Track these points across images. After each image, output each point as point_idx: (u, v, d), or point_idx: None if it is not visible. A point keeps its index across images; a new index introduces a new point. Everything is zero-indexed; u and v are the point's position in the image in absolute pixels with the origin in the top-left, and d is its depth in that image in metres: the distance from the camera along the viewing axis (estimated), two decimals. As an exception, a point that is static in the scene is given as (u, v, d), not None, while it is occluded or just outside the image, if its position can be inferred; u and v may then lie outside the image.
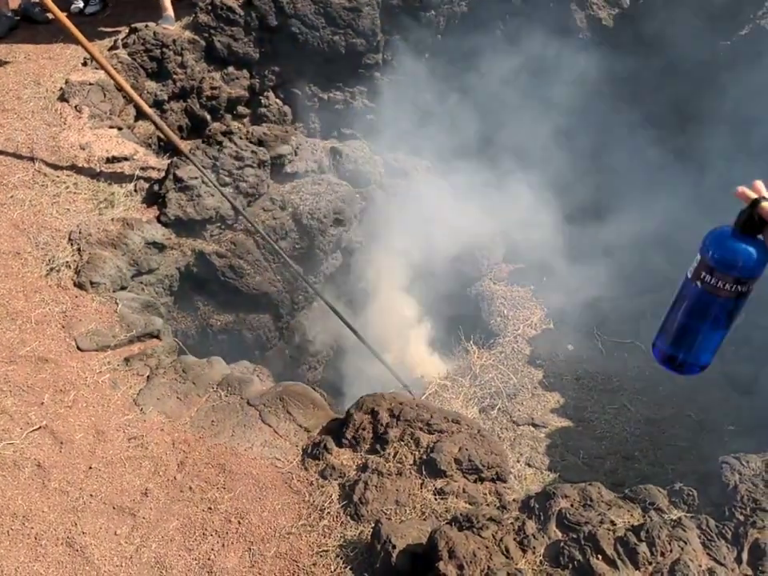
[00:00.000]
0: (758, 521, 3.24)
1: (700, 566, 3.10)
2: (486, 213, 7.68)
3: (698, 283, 1.79)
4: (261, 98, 8.68)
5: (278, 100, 8.71)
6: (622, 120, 7.96)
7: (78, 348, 5.03)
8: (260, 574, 3.62)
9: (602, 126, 7.83)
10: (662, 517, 3.45)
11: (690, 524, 3.30)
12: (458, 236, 7.54)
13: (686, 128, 7.93)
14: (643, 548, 3.14)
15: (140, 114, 7.57)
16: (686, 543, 3.17)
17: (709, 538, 3.23)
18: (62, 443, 4.26)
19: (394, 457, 4.15)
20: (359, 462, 4.25)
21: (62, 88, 7.56)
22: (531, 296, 7.60)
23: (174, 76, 8.14)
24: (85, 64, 7.99)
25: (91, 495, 3.97)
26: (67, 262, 5.70)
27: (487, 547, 3.26)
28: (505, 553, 3.28)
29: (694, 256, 1.81)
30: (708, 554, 3.18)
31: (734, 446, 4.94)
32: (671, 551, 3.13)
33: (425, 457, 4.12)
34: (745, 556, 3.15)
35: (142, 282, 6.23)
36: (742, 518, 3.29)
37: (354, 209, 7.54)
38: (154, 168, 7.09)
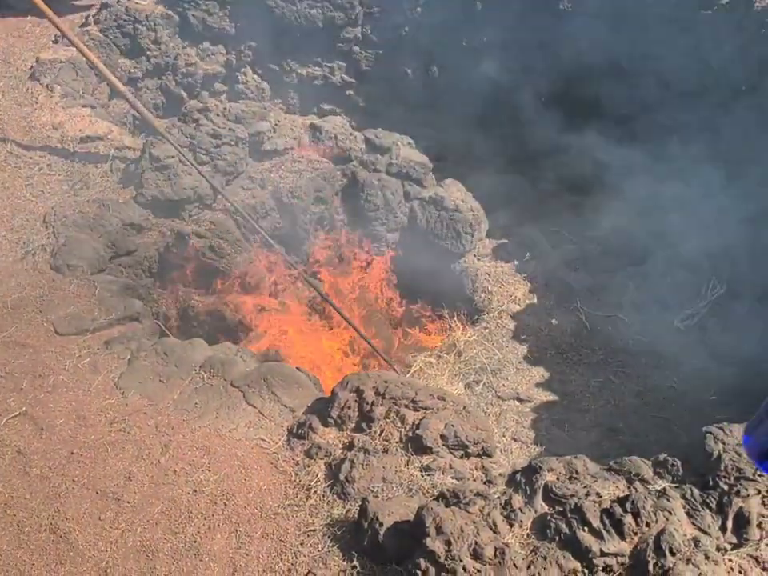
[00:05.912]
0: (742, 489, 3.26)
1: (685, 535, 3.12)
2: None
3: None
4: (238, 74, 8.51)
5: (255, 76, 8.55)
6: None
7: (57, 332, 4.95)
8: (247, 554, 3.60)
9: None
10: (647, 488, 3.47)
11: (675, 494, 3.31)
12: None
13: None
14: (629, 519, 3.15)
15: (114, 93, 7.40)
16: (670, 513, 3.19)
17: (693, 507, 3.25)
18: (42, 429, 4.19)
19: (380, 434, 4.14)
20: (345, 440, 4.23)
21: (32, 66, 7.36)
22: (515, 271, 7.58)
23: (148, 53, 7.95)
24: (56, 41, 7.78)
25: (74, 481, 3.92)
26: (43, 244, 5.59)
27: (474, 522, 3.26)
28: (492, 527, 3.28)
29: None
30: (693, 523, 3.21)
31: (717, 415, 4.98)
32: (656, 521, 3.15)
33: (411, 434, 4.11)
34: (729, 524, 3.18)
35: (120, 264, 6.14)
36: (726, 487, 3.31)
37: (334, 186, 7.46)
38: (129, 147, 6.95)
